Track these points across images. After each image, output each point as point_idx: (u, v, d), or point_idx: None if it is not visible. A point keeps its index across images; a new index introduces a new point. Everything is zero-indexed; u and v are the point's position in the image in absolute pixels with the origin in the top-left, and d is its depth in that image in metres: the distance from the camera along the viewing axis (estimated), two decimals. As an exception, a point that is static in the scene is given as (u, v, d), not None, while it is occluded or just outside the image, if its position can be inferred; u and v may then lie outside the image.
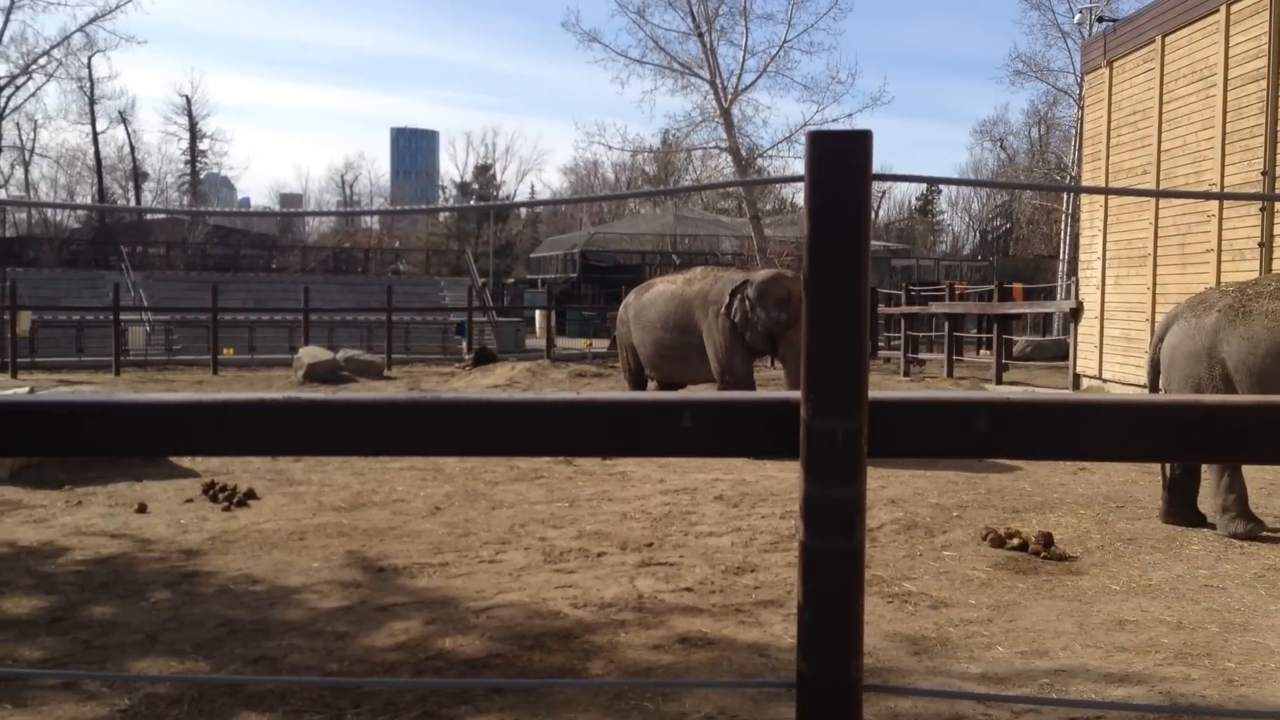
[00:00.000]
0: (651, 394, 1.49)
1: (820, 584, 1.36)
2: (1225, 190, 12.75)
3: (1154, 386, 6.99)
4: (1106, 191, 1.50)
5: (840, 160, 1.28)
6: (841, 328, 1.31)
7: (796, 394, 1.36)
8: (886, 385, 17.97)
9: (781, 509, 7.12)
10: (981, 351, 23.95)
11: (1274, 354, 6.21)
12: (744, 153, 30.35)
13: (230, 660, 4.16)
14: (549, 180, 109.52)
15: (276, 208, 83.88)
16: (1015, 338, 23.16)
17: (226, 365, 22.33)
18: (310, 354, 18.93)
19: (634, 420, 1.43)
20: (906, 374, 20.65)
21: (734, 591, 5.17)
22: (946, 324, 20.61)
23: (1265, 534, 6.33)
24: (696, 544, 6.20)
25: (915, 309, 22.30)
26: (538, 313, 37.04)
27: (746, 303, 10.21)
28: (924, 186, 59.72)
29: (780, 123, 50.90)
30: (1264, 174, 12.02)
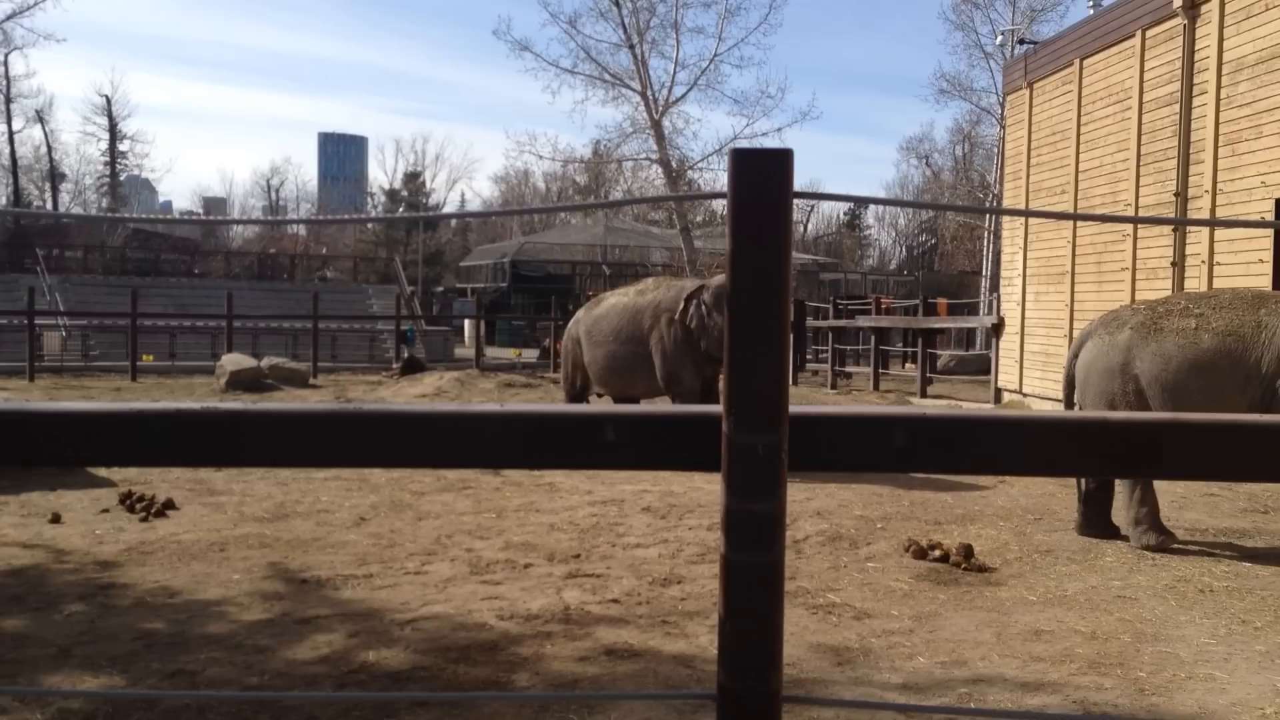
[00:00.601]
0: (574, 406, 1.49)
1: (741, 596, 1.37)
2: (1140, 210, 13.11)
3: (1069, 402, 7.16)
4: (1016, 213, 1.55)
5: (762, 177, 1.29)
6: (763, 342, 1.32)
7: (718, 408, 1.37)
8: (814, 398, 18.17)
9: (709, 520, 7.16)
10: (907, 365, 24.31)
11: (1185, 369, 6.40)
12: (674, 165, 30.50)
13: (147, 674, 4.08)
14: (479, 188, 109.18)
15: (199, 211, 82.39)
16: (939, 352, 23.55)
17: (146, 372, 21.86)
18: (233, 361, 18.61)
19: (556, 433, 1.43)
20: (834, 386, 20.90)
21: (660, 603, 5.18)
22: (873, 337, 20.90)
23: (1176, 546, 6.51)
24: (624, 555, 6.21)
25: (842, 322, 22.58)
26: (467, 322, 36.87)
27: (703, 308, 9.84)
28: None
29: (710, 135, 51.51)
30: (1177, 195, 12.39)
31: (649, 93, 29.77)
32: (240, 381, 17.76)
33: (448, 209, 62.44)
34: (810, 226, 63.89)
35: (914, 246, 63.59)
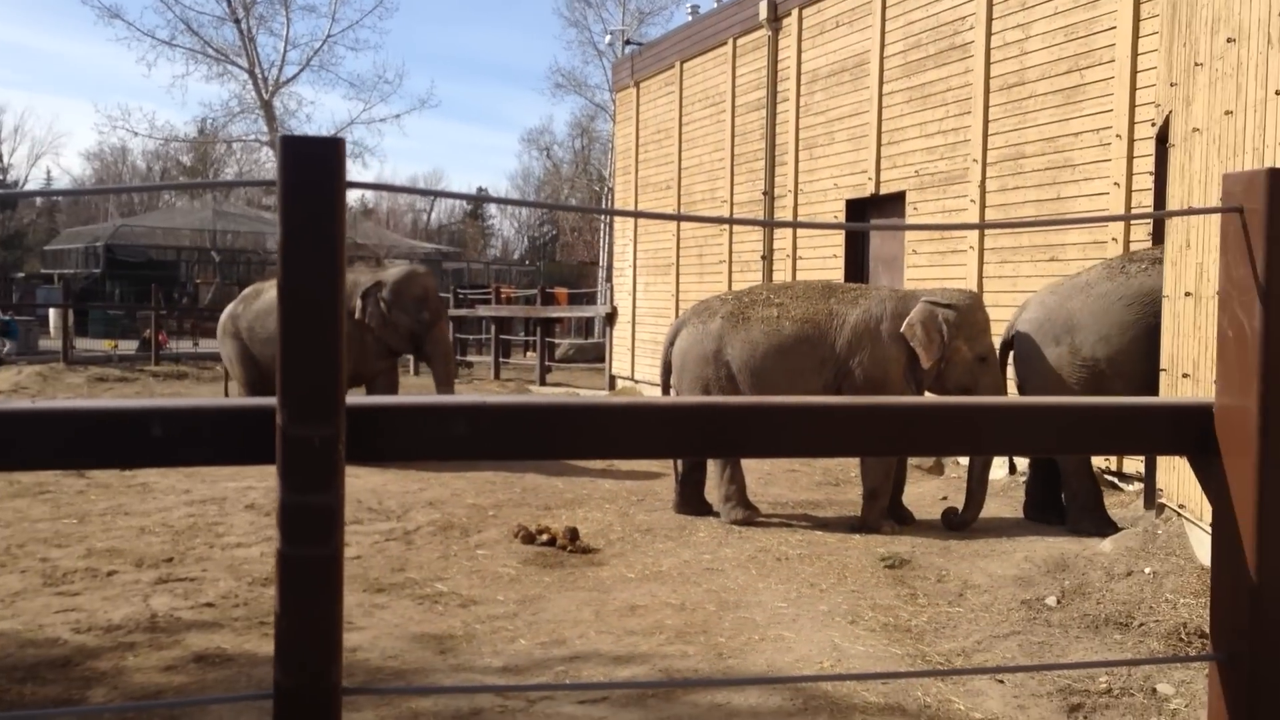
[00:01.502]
0: (117, 401, 1.40)
1: (297, 592, 1.35)
2: (735, 207, 14.13)
3: (666, 387, 7.60)
4: (572, 209, 1.62)
5: (312, 166, 1.27)
6: (315, 334, 1.31)
7: (274, 400, 1.34)
8: (430, 388, 18.06)
9: (317, 515, 6.95)
10: (528, 354, 24.74)
11: (770, 355, 6.98)
12: (288, 147, 29.30)
13: None
14: (69, 165, 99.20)
15: None
16: (559, 341, 24.19)
17: None
18: None
19: (97, 430, 1.34)
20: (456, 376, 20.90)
21: (260, 604, 4.98)
22: (494, 327, 21.10)
23: (760, 519, 7.08)
24: (223, 556, 5.91)
25: (464, 312, 22.63)
26: (53, 311, 33.45)
27: (383, 305, 9.46)
28: (475, 191, 60.75)
29: (326, 119, 49.89)
30: (765, 194, 13.46)
31: (258, 71, 28.45)
32: None
33: (31, 187, 56.29)
34: (434, 216, 63.61)
35: (537, 237, 64.79)
